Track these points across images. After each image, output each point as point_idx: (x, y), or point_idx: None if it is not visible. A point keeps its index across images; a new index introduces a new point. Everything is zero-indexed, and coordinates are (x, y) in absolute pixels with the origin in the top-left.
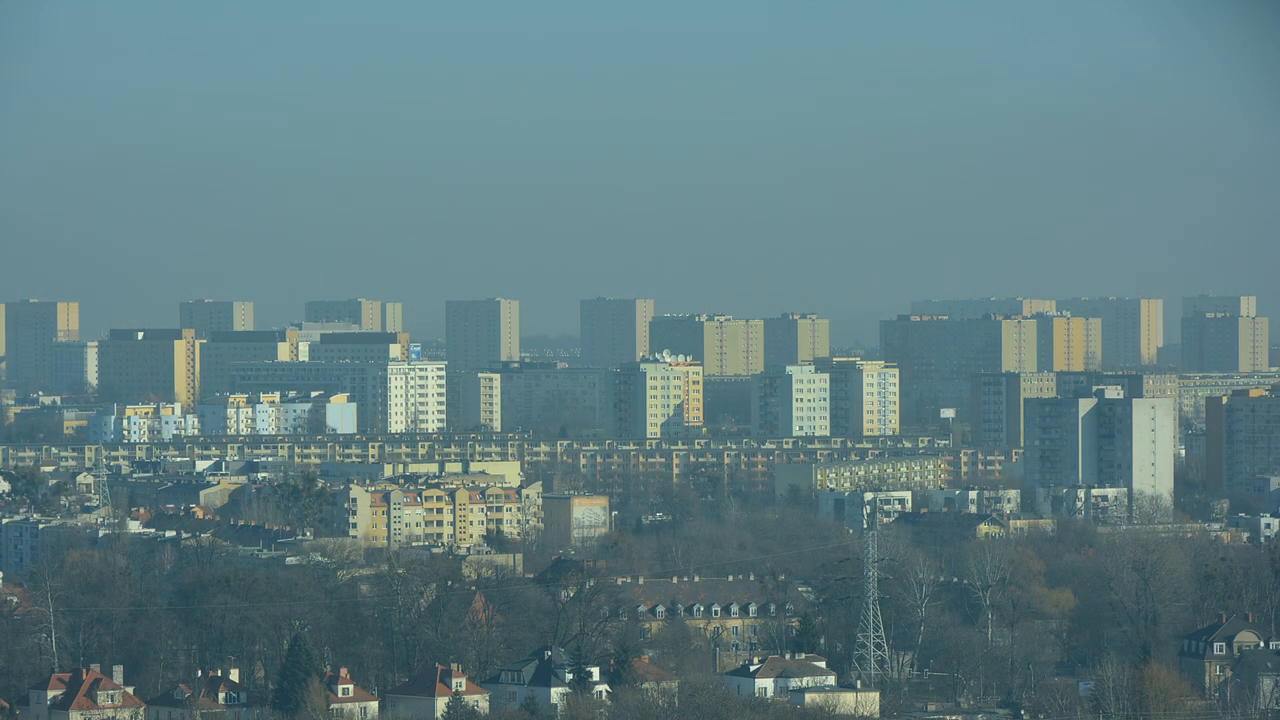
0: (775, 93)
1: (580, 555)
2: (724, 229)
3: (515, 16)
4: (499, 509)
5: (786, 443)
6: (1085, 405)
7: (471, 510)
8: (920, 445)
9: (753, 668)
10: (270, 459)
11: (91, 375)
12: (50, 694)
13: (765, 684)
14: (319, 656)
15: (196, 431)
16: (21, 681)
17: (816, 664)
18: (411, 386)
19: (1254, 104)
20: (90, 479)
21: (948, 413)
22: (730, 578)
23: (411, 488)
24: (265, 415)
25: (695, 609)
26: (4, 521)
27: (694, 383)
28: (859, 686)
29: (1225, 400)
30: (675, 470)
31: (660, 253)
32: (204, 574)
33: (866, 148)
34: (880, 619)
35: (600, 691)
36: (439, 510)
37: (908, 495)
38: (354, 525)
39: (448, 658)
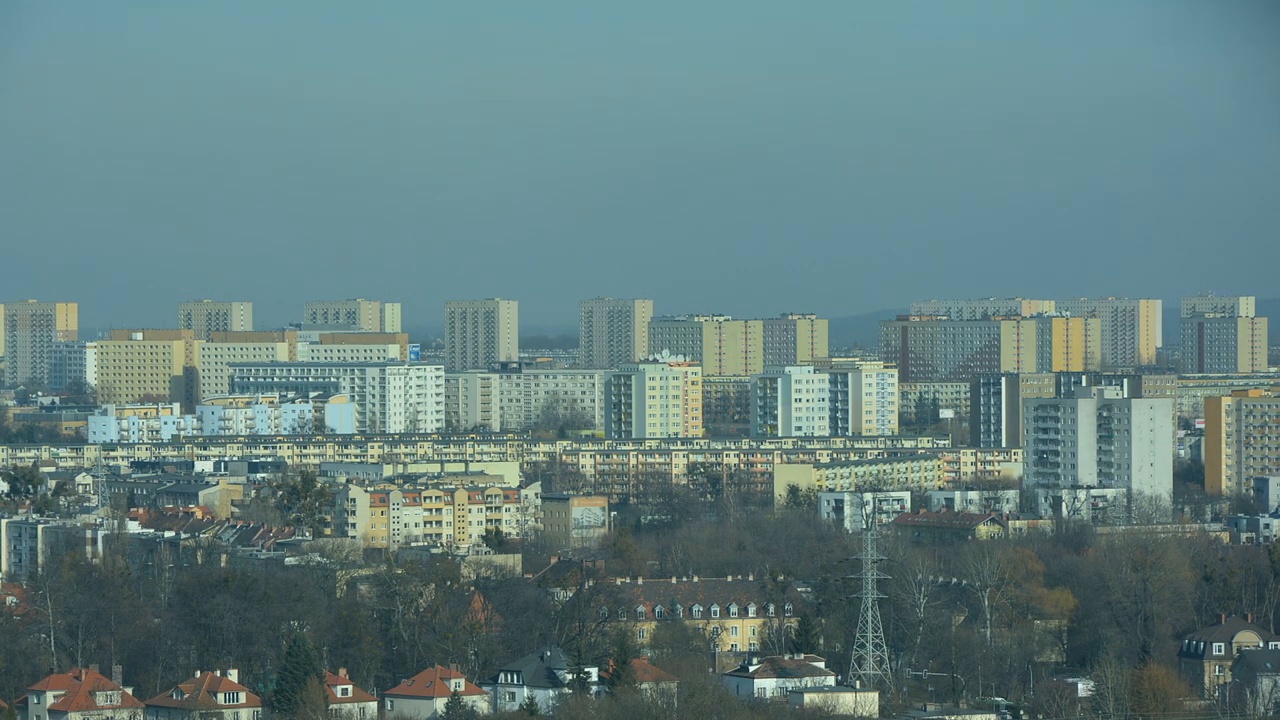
0: (774, 93)
1: (579, 556)
2: (723, 229)
3: (514, 18)
4: (498, 509)
5: (786, 443)
6: (1084, 405)
7: (470, 511)
8: (920, 445)
9: (752, 668)
10: (269, 459)
11: (91, 376)
12: (49, 694)
13: (764, 684)
14: (318, 657)
15: (195, 432)
16: (21, 682)
17: (816, 664)
18: (410, 387)
19: (1253, 105)
20: (89, 479)
21: (947, 413)
22: (730, 578)
23: (411, 488)
24: (264, 416)
25: (695, 609)
26: (3, 521)
27: (693, 383)
28: (858, 687)
29: (1224, 400)
30: (675, 470)
31: (660, 253)
32: (203, 574)
33: (867, 149)
34: (879, 619)
35: (599, 692)
36: (438, 511)
37: (907, 495)
38: (353, 525)
39: (447, 658)
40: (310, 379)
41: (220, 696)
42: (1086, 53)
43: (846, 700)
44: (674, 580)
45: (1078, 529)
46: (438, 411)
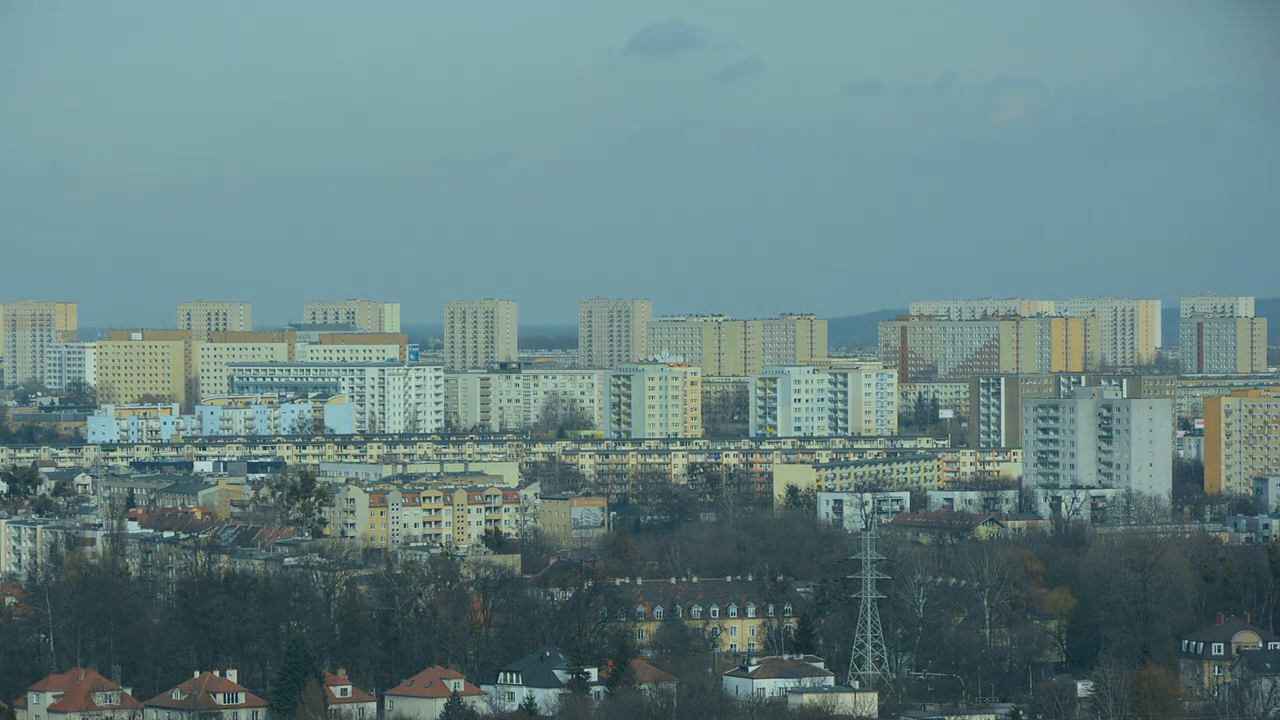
0: (773, 94)
1: (579, 556)
2: (723, 229)
3: (513, 19)
4: (497, 509)
5: (786, 443)
6: (1084, 405)
7: (470, 511)
8: (919, 445)
9: (751, 668)
10: (269, 459)
11: (90, 376)
12: (49, 695)
13: (764, 684)
14: (317, 657)
15: (195, 432)
16: (20, 682)
17: (815, 664)
18: (410, 387)
19: (1253, 105)
20: (88, 479)
21: (947, 413)
22: (729, 578)
23: (410, 488)
24: (263, 416)
25: (694, 610)
26: (3, 522)
27: (692, 383)
28: (858, 687)
29: (1224, 400)
30: (674, 470)
31: (660, 253)
32: (203, 575)
33: (866, 148)
34: (879, 619)
35: (599, 692)
36: (437, 511)
37: (907, 495)
38: (352, 526)
39: (446, 658)
40: (310, 379)
41: (220, 697)
42: (1087, 54)
43: (846, 700)
44: (674, 580)
45: (1077, 529)
46: (437, 412)
